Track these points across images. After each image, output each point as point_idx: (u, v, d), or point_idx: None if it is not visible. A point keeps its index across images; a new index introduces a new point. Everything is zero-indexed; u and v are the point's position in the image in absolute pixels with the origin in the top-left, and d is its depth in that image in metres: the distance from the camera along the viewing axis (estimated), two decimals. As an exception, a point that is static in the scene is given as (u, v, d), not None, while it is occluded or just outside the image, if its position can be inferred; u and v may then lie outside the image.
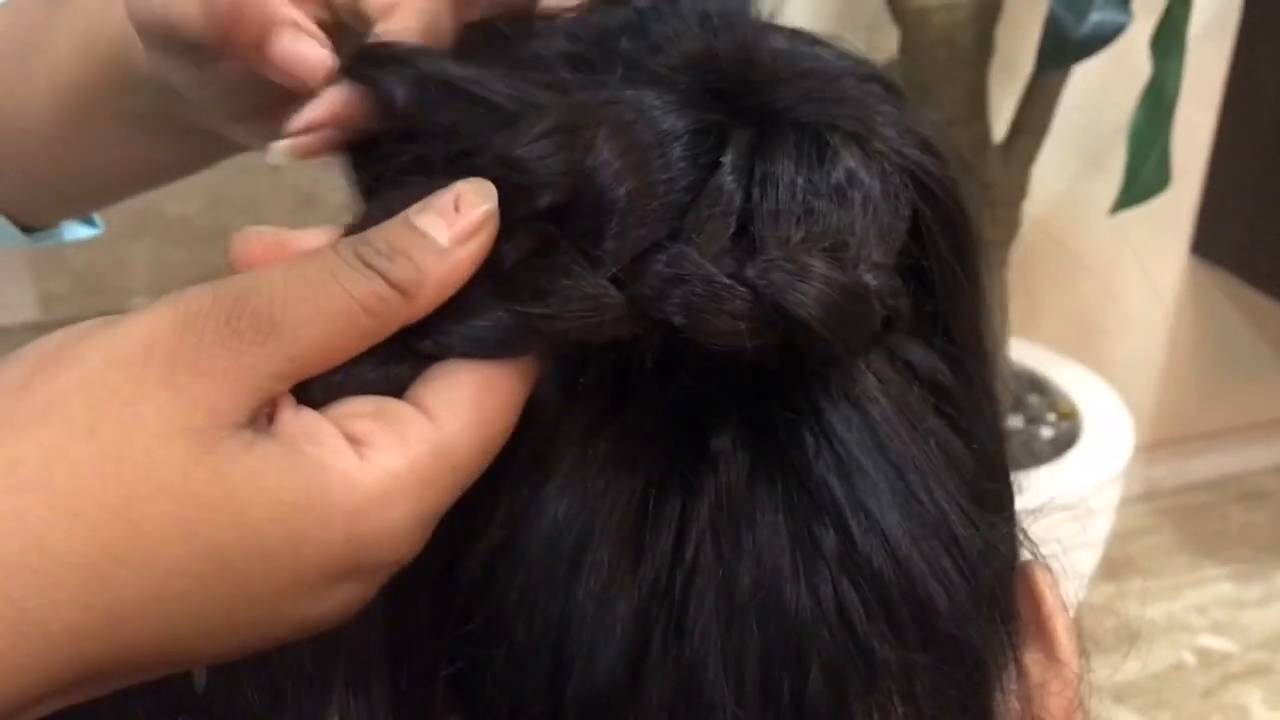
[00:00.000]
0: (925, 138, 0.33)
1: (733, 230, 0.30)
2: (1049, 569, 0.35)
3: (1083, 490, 1.37)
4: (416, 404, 0.28)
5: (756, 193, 0.30)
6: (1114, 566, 1.72)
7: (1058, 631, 0.34)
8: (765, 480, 0.30)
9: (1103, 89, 1.45)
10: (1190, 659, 1.66)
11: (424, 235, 0.28)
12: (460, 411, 0.28)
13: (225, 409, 0.26)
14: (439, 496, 0.28)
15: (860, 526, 0.29)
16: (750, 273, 0.29)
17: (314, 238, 0.30)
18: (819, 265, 0.29)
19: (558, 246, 0.29)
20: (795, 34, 0.34)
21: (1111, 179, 1.32)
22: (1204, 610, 1.73)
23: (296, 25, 0.35)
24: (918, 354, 0.32)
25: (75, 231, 0.56)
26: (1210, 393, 1.91)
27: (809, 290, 0.29)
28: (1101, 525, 1.44)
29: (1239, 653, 1.67)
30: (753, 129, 0.31)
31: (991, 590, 0.31)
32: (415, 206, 0.29)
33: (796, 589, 0.29)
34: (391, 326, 0.28)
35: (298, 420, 0.27)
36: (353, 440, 0.27)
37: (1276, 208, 1.69)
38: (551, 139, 0.29)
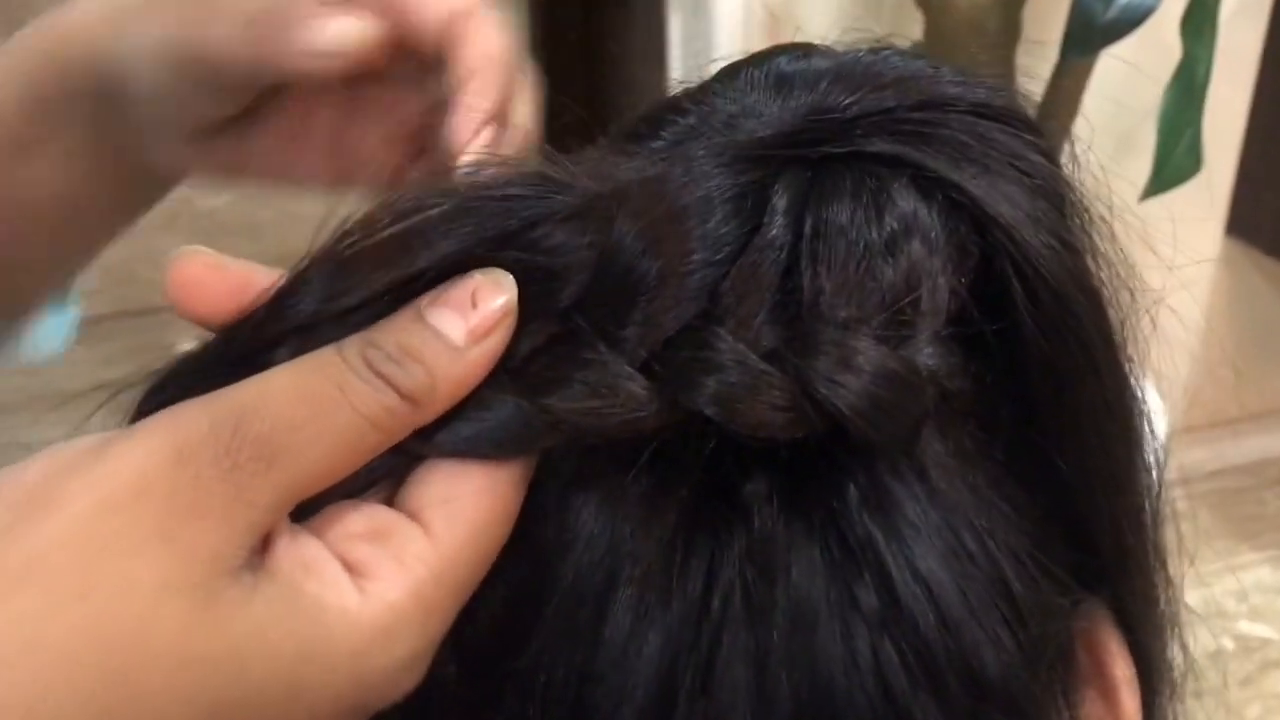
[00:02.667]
0: (1037, 181, 0.29)
1: (774, 299, 0.27)
2: (1114, 624, 0.32)
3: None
4: (413, 515, 0.27)
5: (804, 248, 0.27)
6: (1149, 552, 1.70)
7: (1124, 705, 0.31)
8: (801, 529, 0.27)
9: (1133, 69, 1.43)
10: (1229, 645, 1.64)
11: (437, 333, 0.26)
12: (460, 525, 0.26)
13: (224, 554, 0.24)
14: (442, 623, 0.27)
15: (906, 584, 0.27)
16: (790, 357, 0.26)
17: (260, 275, 0.28)
18: (867, 350, 0.26)
19: (579, 332, 0.27)
20: (919, 59, 0.31)
21: (1142, 162, 1.30)
22: (1242, 596, 1.71)
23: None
24: (982, 399, 0.29)
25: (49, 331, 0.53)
26: (1246, 375, 1.89)
27: (852, 383, 0.26)
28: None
29: (1279, 639, 1.65)
30: (810, 171, 0.28)
31: (1048, 651, 0.29)
32: (427, 298, 0.27)
33: (832, 648, 0.27)
34: (398, 438, 0.27)
35: (294, 548, 0.26)
36: (351, 569, 0.26)
37: (1313, 188, 1.66)
38: (573, 220, 0.27)
